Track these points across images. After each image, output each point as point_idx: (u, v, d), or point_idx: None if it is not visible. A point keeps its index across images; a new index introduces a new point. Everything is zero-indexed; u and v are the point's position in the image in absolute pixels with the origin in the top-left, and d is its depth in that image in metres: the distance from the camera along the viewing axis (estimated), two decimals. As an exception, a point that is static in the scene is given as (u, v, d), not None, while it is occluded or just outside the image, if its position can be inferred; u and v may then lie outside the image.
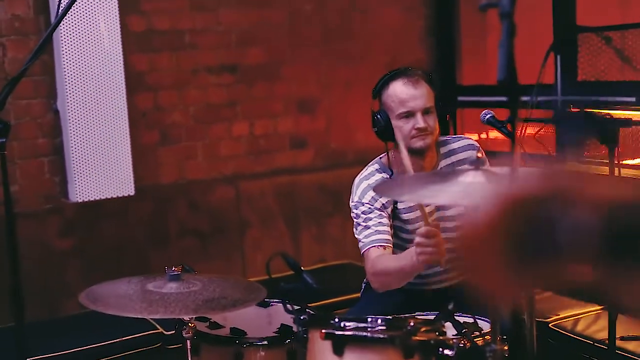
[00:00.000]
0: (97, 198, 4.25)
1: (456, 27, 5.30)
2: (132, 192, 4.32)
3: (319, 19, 4.99)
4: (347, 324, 2.23)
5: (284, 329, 2.70)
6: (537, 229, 0.53)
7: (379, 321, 2.23)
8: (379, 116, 2.92)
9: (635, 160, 4.17)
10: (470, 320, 2.46)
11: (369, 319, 2.23)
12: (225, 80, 4.74)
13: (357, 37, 5.11)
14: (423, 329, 2.23)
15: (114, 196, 4.28)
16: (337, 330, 2.23)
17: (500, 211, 0.54)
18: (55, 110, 4.24)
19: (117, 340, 3.72)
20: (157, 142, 4.58)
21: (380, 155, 3.07)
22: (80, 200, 4.22)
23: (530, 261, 0.53)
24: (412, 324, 2.22)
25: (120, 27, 4.22)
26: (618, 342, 3.08)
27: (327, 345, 2.23)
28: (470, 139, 3.11)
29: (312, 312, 2.51)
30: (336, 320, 2.25)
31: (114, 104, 4.23)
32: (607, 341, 3.01)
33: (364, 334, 2.20)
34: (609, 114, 2.92)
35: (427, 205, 2.76)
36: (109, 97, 4.22)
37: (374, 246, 2.85)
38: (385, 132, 2.91)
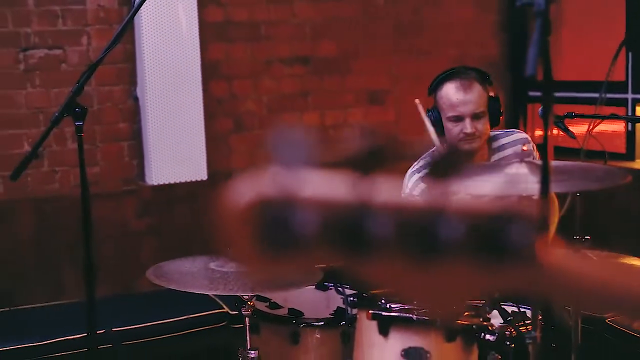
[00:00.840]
0: (172, 182, 4.44)
1: (529, 21, 5.29)
2: (204, 177, 4.50)
3: (391, 12, 5.05)
4: (393, 305, 2.33)
5: (339, 311, 2.81)
6: (271, 225, 0.64)
7: (424, 304, 2.31)
8: (431, 113, 2.96)
9: None
10: (517, 309, 2.52)
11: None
12: (298, 72, 4.87)
13: (429, 31, 5.15)
14: (467, 314, 2.30)
15: (188, 180, 4.47)
16: (383, 312, 2.33)
17: (243, 209, 0.65)
18: (135, 96, 4.45)
19: (184, 317, 3.88)
20: (230, 130, 4.74)
21: (433, 149, 3.12)
22: (156, 183, 4.42)
23: (272, 251, 0.65)
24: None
25: (198, 18, 4.39)
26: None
27: (374, 325, 2.33)
28: (522, 132, 3.13)
29: (364, 294, 2.61)
30: (383, 301, 2.35)
31: (190, 92, 4.41)
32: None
33: (409, 315, 2.30)
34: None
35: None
36: (185, 84, 4.39)
37: None
38: (438, 129, 2.95)
